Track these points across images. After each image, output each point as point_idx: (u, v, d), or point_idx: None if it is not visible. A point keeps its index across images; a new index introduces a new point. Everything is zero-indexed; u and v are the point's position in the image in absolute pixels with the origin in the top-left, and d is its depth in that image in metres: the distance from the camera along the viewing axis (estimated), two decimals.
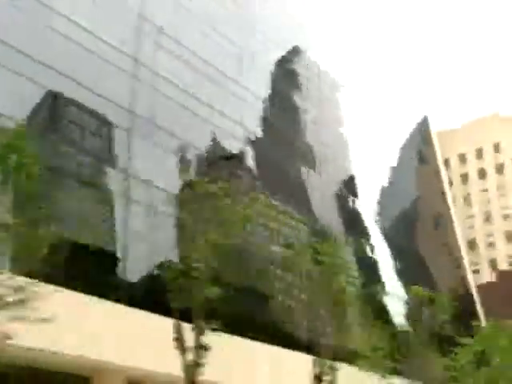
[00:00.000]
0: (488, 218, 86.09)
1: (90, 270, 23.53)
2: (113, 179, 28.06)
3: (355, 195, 52.77)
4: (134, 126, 29.56)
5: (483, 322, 52.70)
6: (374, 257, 51.92)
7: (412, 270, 57.68)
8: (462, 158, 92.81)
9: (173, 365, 17.61)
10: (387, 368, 24.01)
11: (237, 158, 38.01)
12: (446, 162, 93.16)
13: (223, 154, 36.74)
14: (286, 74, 48.01)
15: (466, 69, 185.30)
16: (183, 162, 25.70)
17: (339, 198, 50.53)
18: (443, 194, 71.46)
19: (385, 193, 59.12)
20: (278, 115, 44.47)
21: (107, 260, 25.52)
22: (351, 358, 27.20)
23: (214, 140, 36.28)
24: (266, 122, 43.17)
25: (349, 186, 52.26)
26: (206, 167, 33.04)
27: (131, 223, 27.63)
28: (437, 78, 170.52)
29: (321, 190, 47.47)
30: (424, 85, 71.89)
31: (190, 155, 29.13)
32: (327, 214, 46.75)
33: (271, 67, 46.12)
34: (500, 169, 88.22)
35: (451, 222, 70.67)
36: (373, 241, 53.32)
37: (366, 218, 53.67)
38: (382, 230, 55.68)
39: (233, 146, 38.07)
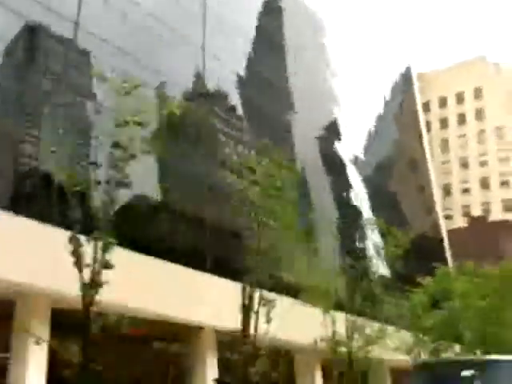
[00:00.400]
0: (464, 164, 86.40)
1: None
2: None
3: (338, 138, 52.72)
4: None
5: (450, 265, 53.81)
6: (350, 196, 52.23)
7: (387, 213, 58.95)
8: (443, 102, 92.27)
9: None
10: (332, 303, 23.20)
11: (218, 96, 37.52)
12: (426, 105, 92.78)
13: (203, 91, 35.99)
14: (271, 12, 46.91)
15: (457, 11, 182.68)
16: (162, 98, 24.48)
17: (322, 140, 49.99)
18: (420, 137, 71.61)
19: (371, 139, 59.51)
20: (263, 55, 43.83)
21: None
22: (295, 291, 27.20)
23: (197, 78, 35.87)
24: (250, 61, 42.67)
25: (332, 130, 51.82)
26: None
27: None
28: (425, 19, 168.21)
29: (304, 132, 46.33)
30: (411, 28, 71.29)
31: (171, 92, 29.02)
32: (310, 156, 46.21)
33: (258, 4, 45.15)
34: (480, 115, 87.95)
35: (426, 166, 70.99)
36: (352, 182, 53.36)
37: (347, 161, 53.51)
38: (362, 172, 55.69)
39: (218, 85, 37.77)
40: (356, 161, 55.90)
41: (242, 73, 41.21)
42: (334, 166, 50.74)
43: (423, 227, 64.18)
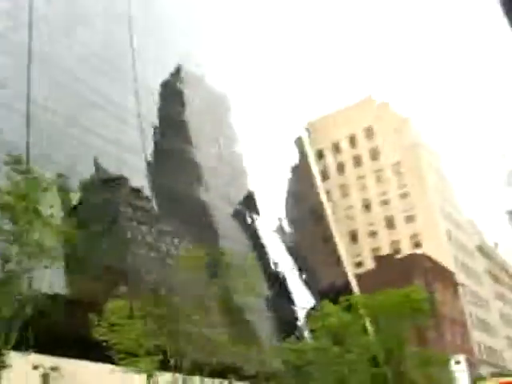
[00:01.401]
0: (367, 206, 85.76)
1: None
2: None
3: (256, 212, 54.61)
4: None
5: None
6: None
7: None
8: (336, 147, 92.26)
9: None
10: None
11: (119, 181, 38.20)
12: (321, 153, 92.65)
13: (105, 177, 36.88)
14: (172, 94, 49.13)
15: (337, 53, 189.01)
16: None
17: (239, 214, 51.95)
18: (316, 188, 71.56)
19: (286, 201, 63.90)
20: (170, 139, 45.94)
21: None
22: None
23: (97, 165, 36.56)
24: (157, 145, 44.32)
25: (249, 203, 53.87)
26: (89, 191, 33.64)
27: None
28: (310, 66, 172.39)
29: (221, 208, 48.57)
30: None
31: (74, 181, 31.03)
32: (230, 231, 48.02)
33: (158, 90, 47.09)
34: (374, 154, 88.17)
35: (326, 216, 70.49)
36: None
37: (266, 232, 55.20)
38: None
39: (123, 171, 38.73)
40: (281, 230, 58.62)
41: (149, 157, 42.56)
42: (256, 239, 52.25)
43: (331, 278, 62.75)
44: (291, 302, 53.43)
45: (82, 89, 36.51)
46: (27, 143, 30.24)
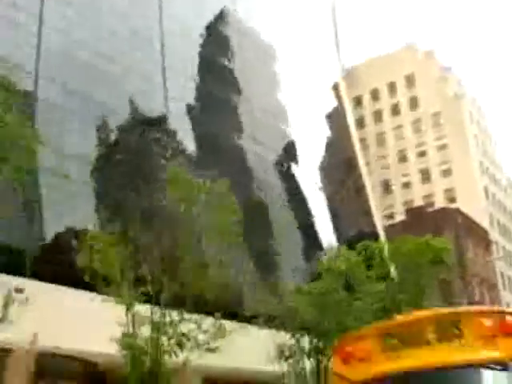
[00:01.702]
0: (403, 157, 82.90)
1: None
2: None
3: (296, 161, 53.65)
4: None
5: None
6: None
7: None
8: (375, 94, 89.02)
9: None
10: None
11: (158, 123, 38.29)
12: (359, 100, 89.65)
13: (144, 118, 36.95)
14: (215, 39, 48.20)
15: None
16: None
17: (278, 164, 51.23)
18: (351, 136, 69.20)
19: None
20: (211, 82, 45.25)
21: None
22: None
23: (133, 105, 36.60)
24: (198, 90, 44.18)
25: (289, 152, 52.84)
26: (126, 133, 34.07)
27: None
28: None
29: (260, 155, 47.87)
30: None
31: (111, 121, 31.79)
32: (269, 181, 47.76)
33: (200, 33, 46.56)
34: (414, 103, 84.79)
35: (359, 165, 68.32)
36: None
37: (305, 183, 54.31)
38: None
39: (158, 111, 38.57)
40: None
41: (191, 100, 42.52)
42: (292, 189, 51.44)
43: (360, 228, 61.02)
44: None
45: (121, 29, 36.73)
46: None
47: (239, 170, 44.16)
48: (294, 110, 55.29)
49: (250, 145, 47.55)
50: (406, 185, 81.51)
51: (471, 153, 79.24)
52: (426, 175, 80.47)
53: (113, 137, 34.37)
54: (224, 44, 49.69)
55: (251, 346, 25.59)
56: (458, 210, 66.04)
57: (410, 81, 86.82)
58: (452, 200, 74.19)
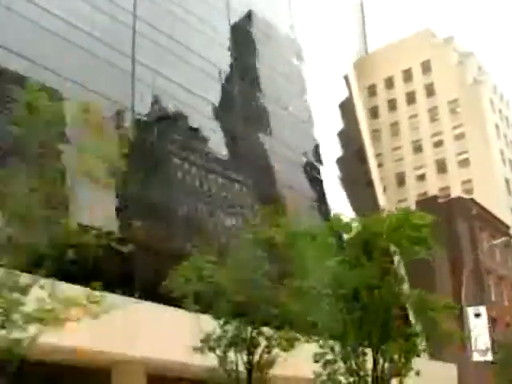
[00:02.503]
0: (418, 148, 77.90)
1: None
2: None
3: (320, 161, 53.70)
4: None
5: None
6: None
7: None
8: (390, 82, 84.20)
9: None
10: None
11: (176, 120, 38.15)
12: (373, 89, 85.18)
13: (161, 114, 36.87)
14: (242, 39, 48.94)
15: None
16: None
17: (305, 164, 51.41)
18: (360, 126, 65.37)
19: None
20: (237, 83, 45.71)
21: None
22: None
23: (156, 103, 36.71)
24: (225, 91, 44.53)
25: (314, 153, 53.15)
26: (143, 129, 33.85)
27: None
28: None
29: (285, 157, 47.97)
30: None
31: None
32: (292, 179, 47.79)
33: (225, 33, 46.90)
34: (430, 90, 79.77)
35: (370, 158, 64.21)
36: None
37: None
38: None
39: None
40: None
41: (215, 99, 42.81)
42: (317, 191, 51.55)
43: None
44: None
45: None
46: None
47: (263, 171, 44.82)
48: (318, 106, 55.51)
49: (276, 146, 47.42)
50: (421, 177, 76.50)
51: (491, 142, 73.93)
52: (442, 166, 75.40)
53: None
54: (250, 44, 50.32)
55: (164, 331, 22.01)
56: (471, 200, 60.94)
57: (426, 67, 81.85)
58: (469, 192, 68.97)
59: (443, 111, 77.95)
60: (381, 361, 23.50)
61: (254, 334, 19.60)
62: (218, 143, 41.94)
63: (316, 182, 52.20)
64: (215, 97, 43.31)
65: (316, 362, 22.52)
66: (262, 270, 19.21)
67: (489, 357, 35.84)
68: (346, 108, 65.34)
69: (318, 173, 53.09)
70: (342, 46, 66.14)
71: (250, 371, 19.41)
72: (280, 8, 54.75)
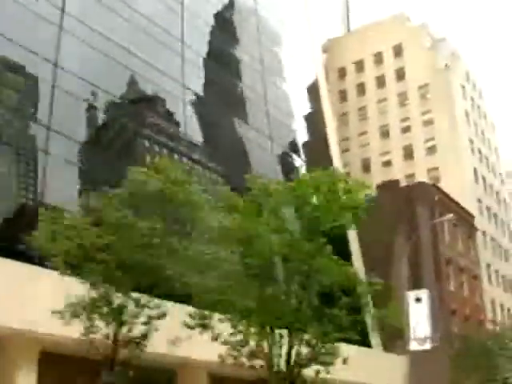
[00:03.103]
0: (385, 133, 75.28)
1: None
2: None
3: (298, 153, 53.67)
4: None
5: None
6: None
7: None
8: (360, 66, 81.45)
9: None
10: None
11: (150, 102, 37.91)
12: (343, 72, 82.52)
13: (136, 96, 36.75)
14: (223, 26, 48.51)
15: None
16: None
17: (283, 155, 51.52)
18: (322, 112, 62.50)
19: None
20: (218, 70, 45.59)
21: None
22: None
23: (131, 85, 36.39)
24: (206, 79, 44.54)
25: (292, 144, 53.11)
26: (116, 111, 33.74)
27: None
28: None
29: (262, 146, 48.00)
30: None
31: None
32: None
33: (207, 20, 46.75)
34: (400, 75, 77.14)
35: (331, 142, 61.59)
36: None
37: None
38: None
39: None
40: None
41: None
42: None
43: None
44: None
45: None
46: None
47: (239, 160, 43.95)
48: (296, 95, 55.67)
49: (252, 134, 47.29)
50: (387, 163, 73.89)
51: (459, 130, 71.43)
52: (409, 153, 72.84)
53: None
54: (232, 33, 49.79)
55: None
56: (434, 186, 58.45)
57: (398, 51, 79.18)
58: (436, 180, 66.32)
59: (413, 96, 75.33)
60: (296, 344, 20.70)
61: (125, 301, 16.59)
62: (193, 129, 41.34)
63: (292, 172, 50.32)
64: (194, 83, 42.89)
65: (217, 340, 19.70)
66: (145, 230, 16.18)
67: (427, 346, 32.92)
68: (314, 91, 62.85)
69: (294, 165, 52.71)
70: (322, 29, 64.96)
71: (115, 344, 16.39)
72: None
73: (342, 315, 21.26)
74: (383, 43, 79.89)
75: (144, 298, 16.69)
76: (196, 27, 44.74)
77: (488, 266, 67.96)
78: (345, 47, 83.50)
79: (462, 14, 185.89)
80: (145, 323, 16.89)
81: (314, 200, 19.51)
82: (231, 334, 20.35)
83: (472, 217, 64.46)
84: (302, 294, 20.20)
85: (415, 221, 52.96)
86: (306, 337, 20.40)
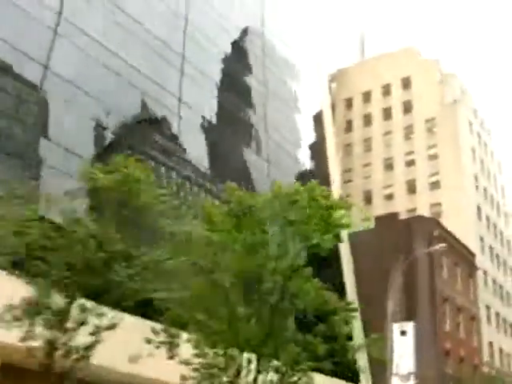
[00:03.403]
0: (389, 166, 74.10)
1: None
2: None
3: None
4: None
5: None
6: None
7: None
8: (367, 97, 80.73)
9: None
10: None
11: (158, 124, 38.01)
12: (350, 102, 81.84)
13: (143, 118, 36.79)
14: (238, 55, 49.10)
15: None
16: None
17: None
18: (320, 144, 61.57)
19: None
20: (230, 97, 45.92)
21: None
22: None
23: (143, 107, 36.59)
24: (219, 105, 44.83)
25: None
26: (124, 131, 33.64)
27: None
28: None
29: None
30: None
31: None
32: None
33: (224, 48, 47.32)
34: (407, 107, 76.27)
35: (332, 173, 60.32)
36: None
37: None
38: None
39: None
40: None
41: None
42: None
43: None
44: None
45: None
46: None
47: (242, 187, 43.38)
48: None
49: (260, 163, 47.79)
50: (390, 196, 72.51)
51: (465, 166, 70.14)
52: (412, 187, 71.50)
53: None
54: (246, 61, 50.42)
55: None
56: (434, 220, 56.99)
57: (406, 84, 78.42)
58: (438, 216, 64.87)
59: (419, 130, 74.29)
60: (264, 371, 19.24)
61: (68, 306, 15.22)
62: (201, 153, 41.82)
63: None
64: (207, 108, 43.44)
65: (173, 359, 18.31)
66: (94, 230, 14.92)
67: (410, 383, 31.10)
68: (320, 120, 62.05)
69: None
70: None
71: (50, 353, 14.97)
72: (282, 27, 55.32)
73: (316, 343, 19.87)
74: (392, 75, 79.24)
75: (90, 304, 15.35)
76: (214, 54, 45.49)
77: (488, 307, 66.11)
78: (354, 77, 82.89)
79: (476, 54, 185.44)
80: (92, 333, 15.54)
81: (293, 216, 18.24)
82: (196, 355, 18.93)
83: (473, 255, 62.82)
84: (275, 318, 18.80)
85: (412, 254, 51.50)
86: (276, 363, 18.98)
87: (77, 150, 29.48)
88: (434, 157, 71.41)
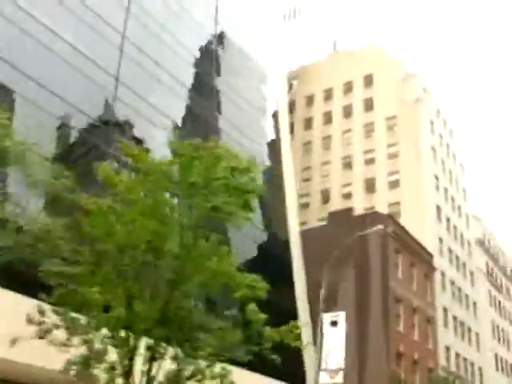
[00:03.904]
0: (348, 164, 72.38)
1: None
2: None
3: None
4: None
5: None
6: None
7: None
8: (329, 94, 79.07)
9: None
10: None
11: (121, 126, 37.47)
12: (310, 99, 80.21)
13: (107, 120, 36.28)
14: (209, 59, 48.89)
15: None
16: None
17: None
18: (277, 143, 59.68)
19: None
20: (199, 101, 45.76)
21: None
22: None
23: (107, 108, 36.35)
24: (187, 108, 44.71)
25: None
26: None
27: None
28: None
29: None
30: None
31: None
32: None
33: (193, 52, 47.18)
34: (369, 105, 74.68)
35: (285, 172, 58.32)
36: None
37: None
38: None
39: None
40: None
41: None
42: None
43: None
44: None
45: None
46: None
47: None
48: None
49: None
50: (348, 195, 70.63)
51: (425, 165, 68.59)
52: (370, 186, 69.73)
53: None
54: (216, 66, 49.97)
55: None
56: (389, 216, 55.20)
57: (368, 81, 76.86)
58: (396, 215, 63.07)
59: (379, 128, 72.65)
60: (158, 358, 16.85)
61: None
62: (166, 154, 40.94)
63: None
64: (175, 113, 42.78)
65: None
66: None
67: (339, 379, 28.78)
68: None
69: None
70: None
71: None
72: (251, 32, 54.98)
73: (226, 328, 17.56)
74: (355, 72, 77.69)
75: None
76: (184, 59, 45.11)
77: (445, 309, 64.42)
78: (315, 74, 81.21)
79: (443, 57, 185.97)
80: None
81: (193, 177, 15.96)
82: (84, 340, 16.50)
83: (431, 256, 61.16)
84: (172, 297, 16.45)
85: (365, 252, 49.69)
86: (173, 351, 16.62)
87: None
88: (393, 155, 69.79)
